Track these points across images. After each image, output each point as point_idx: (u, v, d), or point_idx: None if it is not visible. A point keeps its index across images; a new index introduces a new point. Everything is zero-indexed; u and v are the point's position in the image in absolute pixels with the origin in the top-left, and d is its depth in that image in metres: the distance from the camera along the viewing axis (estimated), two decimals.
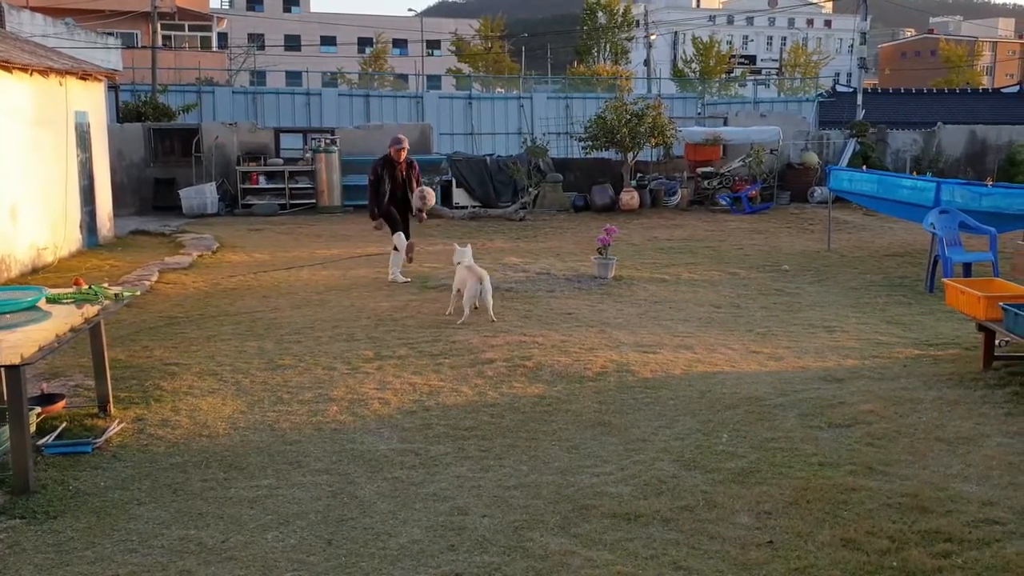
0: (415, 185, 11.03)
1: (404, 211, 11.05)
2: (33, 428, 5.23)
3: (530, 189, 18.37)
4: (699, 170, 19.71)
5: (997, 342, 6.91)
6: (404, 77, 49.27)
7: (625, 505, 4.49)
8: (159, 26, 30.22)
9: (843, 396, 6.19)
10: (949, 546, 4.01)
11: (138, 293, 6.66)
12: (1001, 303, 6.54)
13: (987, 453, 5.11)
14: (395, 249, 10.82)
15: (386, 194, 10.83)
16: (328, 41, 64.35)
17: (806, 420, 5.74)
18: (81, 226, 13.34)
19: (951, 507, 4.40)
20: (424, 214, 11.27)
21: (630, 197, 18.48)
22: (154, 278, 10.86)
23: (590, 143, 19.22)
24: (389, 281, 10.66)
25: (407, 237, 11.04)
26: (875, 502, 4.47)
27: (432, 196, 11.09)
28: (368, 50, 62.65)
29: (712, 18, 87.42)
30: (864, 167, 16.54)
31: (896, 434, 5.44)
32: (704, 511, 4.42)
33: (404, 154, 10.93)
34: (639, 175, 19.75)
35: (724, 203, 18.82)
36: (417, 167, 11.30)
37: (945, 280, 8.08)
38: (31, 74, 11.70)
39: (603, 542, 4.11)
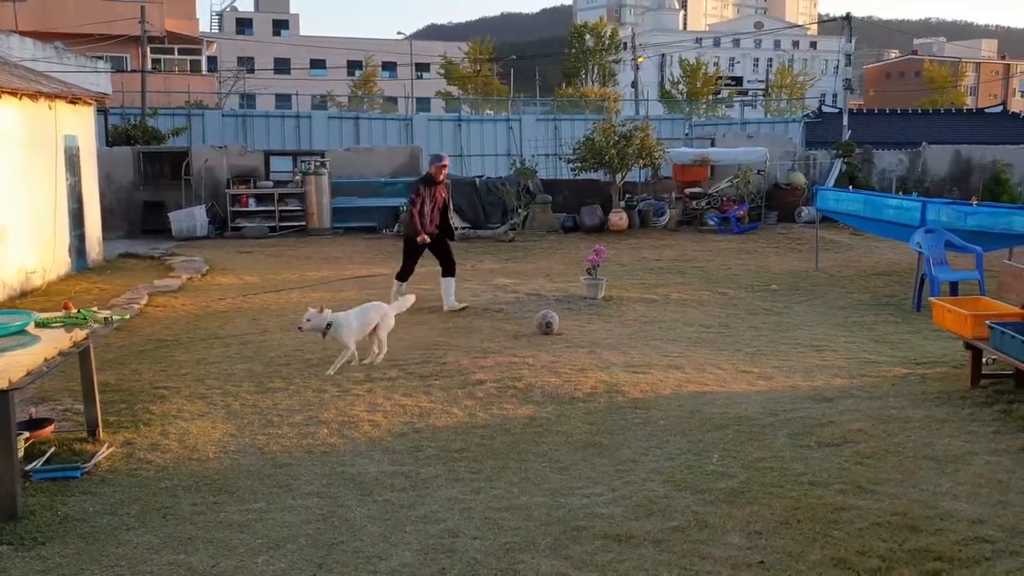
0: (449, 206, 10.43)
1: (444, 235, 10.38)
2: (21, 453, 5.21)
3: (519, 210, 18.43)
4: (687, 191, 19.81)
5: (984, 360, 6.95)
6: (393, 100, 49.46)
7: (616, 526, 4.48)
8: (148, 50, 30.26)
9: (832, 415, 6.21)
10: (939, 565, 4.02)
11: (127, 316, 6.64)
12: (988, 321, 6.59)
13: (976, 471, 5.13)
14: (445, 276, 10.34)
15: (425, 214, 10.12)
16: (318, 64, 64.56)
17: (796, 439, 5.75)
18: (70, 249, 13.30)
19: (941, 526, 4.42)
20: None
21: (619, 218, 18.56)
22: (143, 301, 10.83)
23: (579, 164, 19.32)
24: (446, 310, 10.16)
25: (451, 264, 10.37)
26: (865, 521, 4.48)
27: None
28: (357, 73, 62.91)
29: (699, 40, 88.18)
30: (850, 187, 16.66)
31: (885, 453, 5.46)
32: (695, 531, 4.42)
33: (445, 173, 10.32)
34: (628, 196, 19.83)
35: (712, 223, 18.91)
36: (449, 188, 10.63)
37: (932, 299, 8.14)
38: (20, 98, 11.71)
39: (594, 564, 4.11)
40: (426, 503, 4.84)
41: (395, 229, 18.43)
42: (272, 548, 4.31)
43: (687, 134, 28.18)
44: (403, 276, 10.49)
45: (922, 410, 6.31)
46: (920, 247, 10.49)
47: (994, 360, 6.96)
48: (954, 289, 10.33)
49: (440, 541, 4.36)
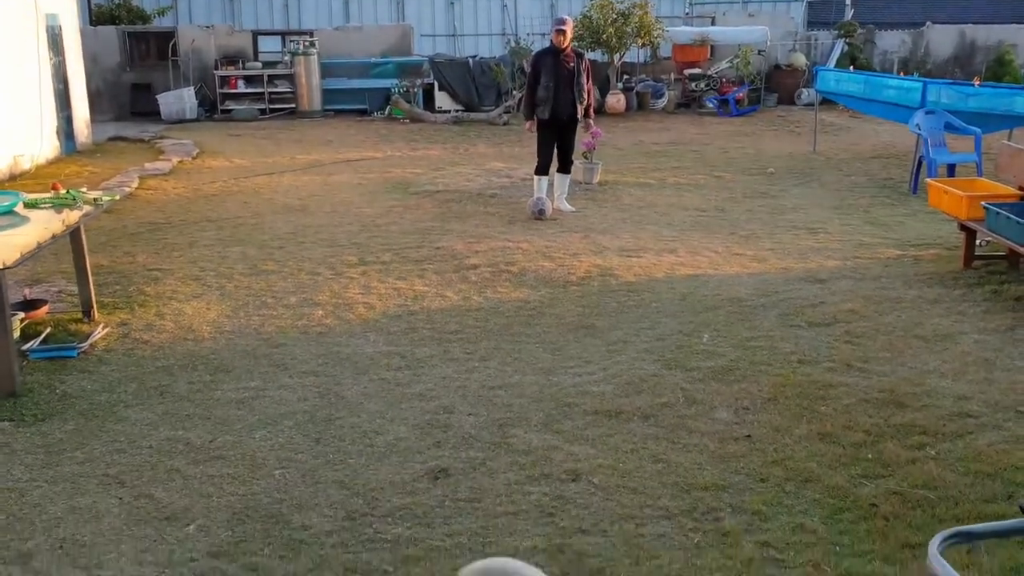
0: (586, 82, 8.97)
1: (571, 115, 8.99)
2: (17, 333, 5.24)
3: (514, 92, 18.08)
4: (686, 72, 19.42)
5: (978, 242, 6.96)
6: None
7: (607, 403, 4.56)
8: None
9: (824, 296, 6.26)
10: (923, 438, 4.11)
11: (116, 197, 6.58)
12: (983, 203, 6.56)
13: (964, 349, 5.20)
14: (559, 171, 9.19)
15: (549, 89, 8.80)
16: None
17: (786, 320, 5.80)
18: (58, 132, 13.08)
19: (927, 402, 4.50)
20: (591, 122, 9.44)
21: (616, 100, 18.24)
22: (134, 184, 10.73)
23: (575, 44, 18.85)
24: (556, 208, 9.09)
25: (569, 154, 9.23)
26: (852, 398, 4.56)
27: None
28: None
29: None
30: (852, 68, 16.34)
31: (875, 332, 5.52)
32: (684, 407, 4.50)
33: (566, 39, 8.86)
34: (625, 77, 19.44)
35: (711, 106, 18.62)
36: (588, 62, 9.27)
37: (929, 180, 8.08)
38: None
39: (585, 437, 4.19)
40: (421, 381, 4.90)
41: (386, 111, 18.13)
42: (269, 424, 4.38)
43: (687, 12, 27.37)
44: (541, 170, 9.12)
45: (914, 291, 6.35)
46: (919, 129, 10.35)
47: (987, 241, 6.97)
48: (951, 171, 10.24)
49: (435, 417, 4.44)
